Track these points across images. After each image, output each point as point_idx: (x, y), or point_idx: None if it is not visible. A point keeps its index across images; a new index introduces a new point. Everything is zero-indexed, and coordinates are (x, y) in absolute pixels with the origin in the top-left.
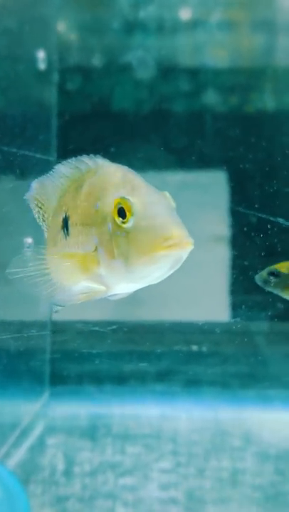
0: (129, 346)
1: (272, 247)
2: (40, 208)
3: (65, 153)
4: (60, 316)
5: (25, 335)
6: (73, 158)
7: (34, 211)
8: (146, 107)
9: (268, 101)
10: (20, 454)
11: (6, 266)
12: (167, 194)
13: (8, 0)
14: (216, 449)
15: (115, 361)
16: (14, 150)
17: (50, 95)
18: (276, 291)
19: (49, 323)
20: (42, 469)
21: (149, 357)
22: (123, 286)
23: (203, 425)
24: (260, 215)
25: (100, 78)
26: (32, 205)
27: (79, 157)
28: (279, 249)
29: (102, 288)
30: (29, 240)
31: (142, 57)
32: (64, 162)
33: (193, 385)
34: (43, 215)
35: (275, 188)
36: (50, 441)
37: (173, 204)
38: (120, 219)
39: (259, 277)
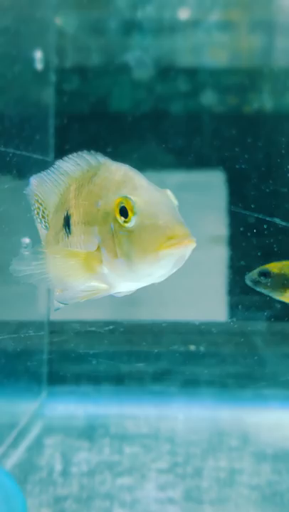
0: (127, 346)
1: (270, 247)
2: (41, 204)
3: (63, 153)
4: (58, 315)
5: (22, 335)
6: (74, 154)
7: (33, 207)
8: (145, 107)
9: (266, 101)
10: (17, 454)
11: (4, 266)
12: (169, 192)
13: (5, 0)
14: (214, 449)
15: (113, 361)
16: (11, 150)
17: (48, 95)
18: (266, 292)
19: (47, 323)
20: (39, 469)
21: (147, 357)
22: (126, 285)
23: (201, 425)
24: (256, 215)
25: (98, 78)
26: (31, 201)
27: (80, 153)
28: (276, 249)
29: (105, 286)
30: (26, 240)
31: (139, 57)
32: (65, 158)
33: (190, 385)
34: (43, 212)
35: (273, 188)
36: (48, 441)
37: (175, 202)
38: (122, 218)
39: (249, 278)
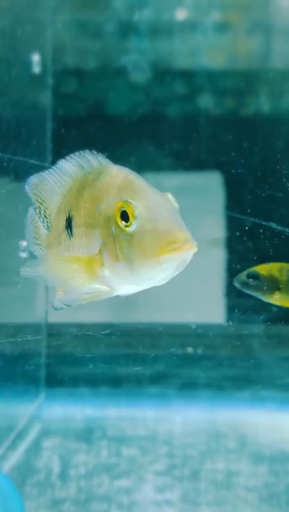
0: (125, 349)
1: (267, 250)
2: (41, 203)
3: (60, 156)
4: (56, 318)
5: (20, 340)
6: (76, 154)
7: (34, 207)
8: (142, 110)
9: (263, 104)
10: (15, 456)
11: (2, 269)
12: (170, 196)
13: (1, 2)
14: (211, 451)
15: (111, 364)
16: (9, 156)
17: (45, 99)
18: (255, 294)
19: (44, 326)
20: (37, 472)
21: (145, 359)
22: (127, 288)
23: (198, 427)
24: (252, 219)
25: (95, 81)
26: (32, 200)
27: (81, 153)
28: (272, 252)
29: (107, 289)
30: (24, 243)
31: (137, 60)
32: (67, 158)
33: (188, 387)
34: (44, 211)
35: (270, 192)
36: (46, 443)
37: (176, 205)
38: (123, 222)
39: (238, 280)
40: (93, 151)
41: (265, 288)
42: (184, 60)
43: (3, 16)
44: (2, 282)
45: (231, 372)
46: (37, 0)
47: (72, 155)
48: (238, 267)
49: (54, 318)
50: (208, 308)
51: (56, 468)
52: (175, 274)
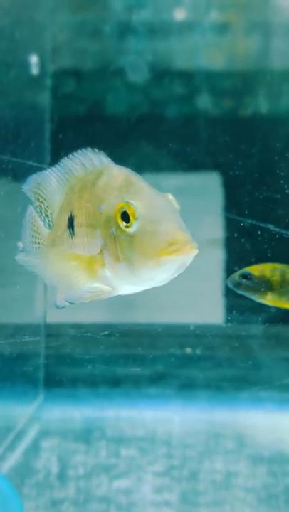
0: (124, 349)
1: (265, 251)
2: (42, 202)
3: (59, 157)
4: (55, 318)
5: (18, 340)
6: (79, 152)
7: (34, 205)
8: (140, 111)
9: (262, 105)
10: (14, 457)
11: (0, 269)
12: (170, 196)
13: (0, 4)
14: (210, 452)
15: (109, 364)
16: (7, 157)
17: (44, 100)
18: (248, 295)
19: (43, 326)
20: (36, 472)
21: (143, 360)
22: (128, 288)
23: (197, 428)
24: (250, 221)
25: (94, 82)
26: (32, 199)
27: (84, 151)
28: (271, 253)
29: (109, 288)
30: (21, 245)
31: (135, 60)
32: (70, 156)
33: (187, 388)
34: (46, 210)
35: (269, 191)
36: (45, 444)
37: (177, 206)
38: (124, 223)
39: (231, 280)
40: (95, 149)
41: (257, 288)
42: (183, 61)
43: (1, 17)
44: (1, 283)
45: (230, 372)
46: (35, 1)
47: (74, 153)
48: (237, 267)
49: (53, 318)
50: (207, 308)
51: (55, 468)
52: (176, 275)
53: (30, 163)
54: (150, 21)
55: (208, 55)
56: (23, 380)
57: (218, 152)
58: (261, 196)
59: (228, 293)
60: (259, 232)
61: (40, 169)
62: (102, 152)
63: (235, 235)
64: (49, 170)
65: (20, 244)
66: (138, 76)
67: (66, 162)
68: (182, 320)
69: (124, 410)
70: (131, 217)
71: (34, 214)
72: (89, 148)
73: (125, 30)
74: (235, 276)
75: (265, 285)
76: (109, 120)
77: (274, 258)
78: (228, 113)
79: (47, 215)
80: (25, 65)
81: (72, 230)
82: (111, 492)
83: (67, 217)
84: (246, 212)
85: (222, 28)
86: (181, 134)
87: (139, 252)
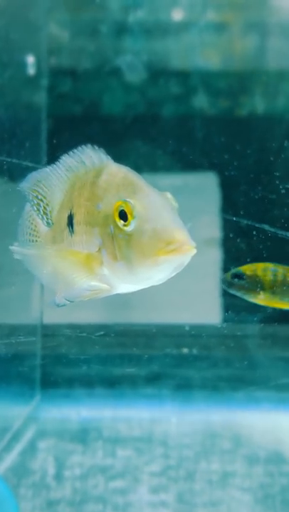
0: (120, 350)
1: (263, 250)
2: (41, 200)
3: (55, 157)
4: (51, 319)
5: (14, 341)
6: (79, 149)
7: (32, 203)
8: (137, 110)
9: (258, 104)
10: (11, 457)
11: None
12: (169, 195)
13: None
14: (206, 452)
15: (106, 365)
16: (3, 157)
17: (40, 100)
18: (240, 294)
19: (39, 327)
20: (33, 473)
21: (140, 360)
22: (126, 286)
23: (194, 428)
24: (245, 221)
25: (90, 82)
26: (30, 197)
27: (84, 148)
28: (270, 252)
29: (107, 287)
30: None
31: (132, 60)
32: (70, 153)
33: (183, 388)
34: (45, 208)
35: (266, 191)
36: (41, 444)
37: (175, 205)
38: (122, 222)
39: (223, 280)
40: (95, 146)
41: (250, 288)
42: (179, 61)
43: None
44: None
45: (226, 372)
46: (31, 1)
47: (75, 150)
48: (233, 267)
49: (49, 319)
50: (203, 308)
51: (51, 469)
52: (173, 274)
53: (26, 163)
54: (146, 21)
55: (205, 55)
56: (19, 381)
57: (214, 152)
58: (257, 196)
59: (225, 293)
60: (254, 232)
61: (37, 169)
62: (101, 149)
63: (232, 235)
64: (49, 167)
65: (15, 245)
66: (134, 76)
67: (66, 159)
68: (178, 320)
69: (121, 410)
70: (129, 216)
71: (31, 212)
72: (89, 146)
73: (121, 29)
74: (228, 276)
75: (258, 285)
76: (105, 120)
77: (270, 258)
78: (224, 113)
79: (46, 213)
80: (22, 65)
81: (72, 228)
82: (107, 492)
83: (66, 215)
84: (243, 212)
85: (218, 28)
86: (177, 133)
87: (136, 251)
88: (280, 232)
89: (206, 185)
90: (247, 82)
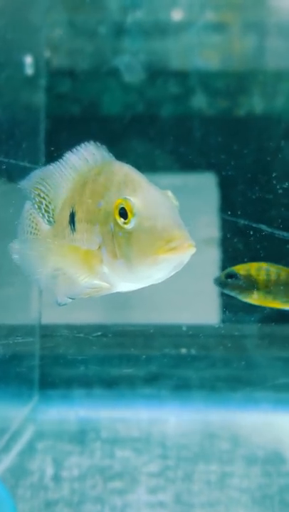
0: (118, 350)
1: (262, 250)
2: (43, 198)
3: (54, 158)
4: (50, 320)
5: (11, 342)
6: (82, 146)
7: (34, 201)
8: (136, 111)
9: (257, 104)
10: (9, 458)
11: None
12: (170, 193)
13: None
14: (205, 453)
15: (104, 365)
16: (1, 157)
17: (38, 100)
18: (234, 294)
19: (38, 327)
20: (31, 474)
21: (138, 360)
22: (126, 285)
23: (192, 428)
24: (243, 221)
25: (89, 82)
26: (32, 195)
27: (87, 145)
28: (269, 251)
29: (108, 285)
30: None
31: (130, 60)
32: (74, 150)
33: (181, 388)
34: (47, 206)
35: (264, 191)
36: (39, 445)
37: (175, 203)
38: (122, 219)
39: (217, 280)
40: (98, 143)
41: (243, 287)
42: (178, 61)
43: None
44: None
45: (225, 373)
46: (30, 1)
47: (77, 148)
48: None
49: (48, 319)
50: (202, 308)
51: (49, 470)
52: (173, 273)
53: (24, 164)
54: (145, 21)
55: (203, 55)
56: (17, 381)
57: (213, 152)
58: (254, 196)
59: (223, 293)
60: (252, 232)
61: (35, 169)
62: (104, 147)
63: (231, 235)
64: (52, 165)
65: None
66: (133, 76)
67: (69, 157)
68: (176, 320)
69: (119, 411)
70: (129, 214)
71: (32, 210)
72: (92, 143)
73: (120, 30)
74: (222, 275)
75: (251, 284)
76: (104, 120)
77: (268, 257)
78: (222, 113)
79: (48, 211)
80: (20, 65)
81: (73, 225)
82: (105, 493)
83: (69, 213)
84: (243, 211)
85: (217, 28)
86: (175, 133)
87: (136, 250)
88: (277, 232)
89: (205, 185)
90: (245, 82)
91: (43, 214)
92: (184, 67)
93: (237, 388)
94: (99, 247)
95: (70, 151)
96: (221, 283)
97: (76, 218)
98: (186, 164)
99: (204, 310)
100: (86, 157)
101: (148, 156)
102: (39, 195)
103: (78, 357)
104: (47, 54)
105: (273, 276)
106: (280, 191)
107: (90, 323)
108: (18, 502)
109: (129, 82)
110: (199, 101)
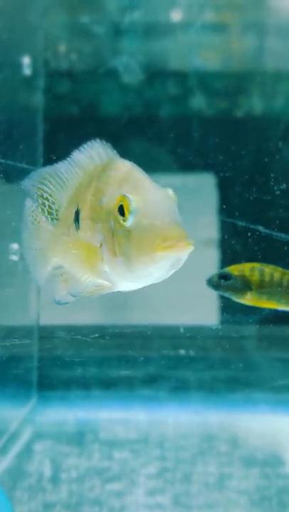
0: (116, 351)
1: (261, 251)
2: (46, 199)
3: (51, 159)
4: (48, 321)
5: (8, 344)
6: (89, 144)
7: (36, 201)
8: (134, 111)
9: (256, 105)
10: (7, 460)
11: None
12: (170, 191)
13: None
14: (203, 454)
15: (102, 367)
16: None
17: (37, 101)
18: (227, 295)
19: (36, 329)
20: (29, 476)
21: (136, 362)
22: (127, 284)
23: (190, 430)
24: (241, 222)
25: (87, 83)
26: (34, 196)
27: (93, 143)
28: (268, 252)
29: (109, 284)
30: (15, 246)
31: (129, 61)
32: (81, 149)
33: (180, 389)
34: (50, 207)
35: (263, 193)
36: (38, 447)
37: (175, 201)
38: (121, 217)
39: (210, 280)
40: (103, 141)
41: (237, 288)
42: (177, 61)
43: None
44: None
45: (223, 374)
46: (28, 2)
47: (84, 146)
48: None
49: (46, 320)
50: (200, 310)
51: (48, 471)
52: (172, 272)
53: (21, 165)
54: (144, 22)
55: (202, 56)
56: (16, 383)
57: (212, 153)
58: (251, 198)
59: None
60: (251, 233)
61: (33, 170)
62: (109, 145)
63: (229, 236)
64: (56, 164)
65: (14, 246)
66: (132, 77)
67: (76, 155)
68: (175, 321)
69: (118, 412)
70: (126, 211)
71: (34, 209)
72: (98, 140)
73: (119, 30)
74: (215, 276)
75: (245, 285)
76: (102, 121)
77: (266, 258)
78: (222, 114)
79: (51, 212)
80: (18, 66)
81: (78, 223)
82: (104, 495)
83: (74, 211)
84: (242, 212)
85: (216, 29)
86: (174, 134)
87: (134, 247)
88: (275, 234)
89: (204, 186)
90: (245, 83)
91: (46, 215)
92: (183, 68)
93: (236, 389)
94: (100, 245)
95: (76, 150)
96: (214, 284)
97: (80, 216)
98: (185, 165)
99: (203, 311)
100: (92, 155)
101: (147, 156)
102: (42, 195)
103: (76, 358)
104: (45, 55)
105: (267, 277)
106: (278, 192)
107: (88, 324)
108: (15, 504)
109: (127, 82)
110: (198, 101)
